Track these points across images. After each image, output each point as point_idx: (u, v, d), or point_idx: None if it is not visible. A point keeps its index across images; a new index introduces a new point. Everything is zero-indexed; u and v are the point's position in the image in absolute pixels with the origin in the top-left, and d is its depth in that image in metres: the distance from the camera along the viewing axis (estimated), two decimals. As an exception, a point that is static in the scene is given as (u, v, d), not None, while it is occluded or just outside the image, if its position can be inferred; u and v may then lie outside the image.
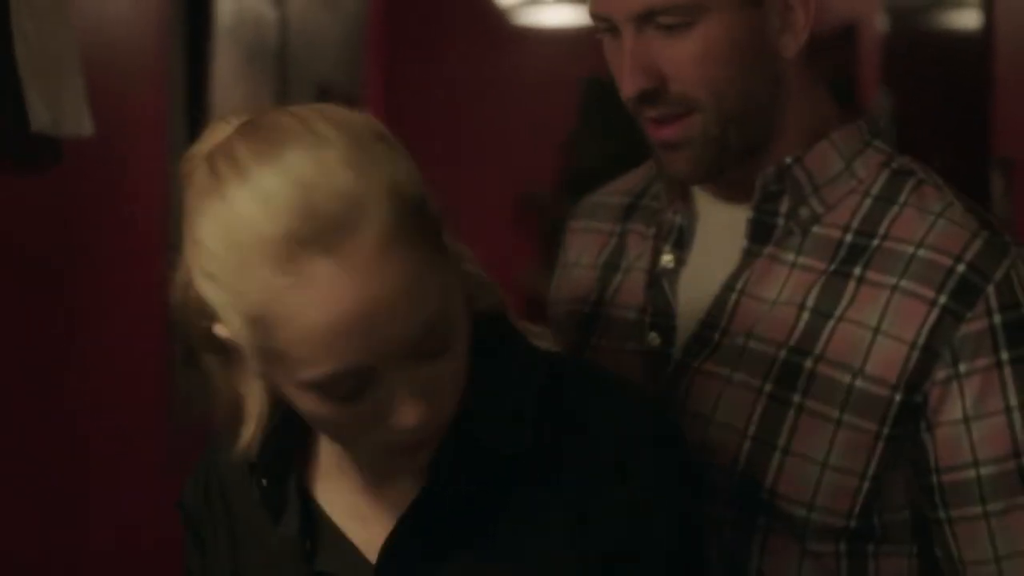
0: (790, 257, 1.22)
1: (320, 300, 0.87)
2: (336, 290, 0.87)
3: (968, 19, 3.62)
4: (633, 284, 1.30)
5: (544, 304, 1.48)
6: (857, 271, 1.19)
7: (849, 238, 1.21)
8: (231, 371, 1.00)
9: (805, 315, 1.19)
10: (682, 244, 1.28)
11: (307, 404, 0.92)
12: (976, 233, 1.18)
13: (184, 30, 2.79)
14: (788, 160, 1.22)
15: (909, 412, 1.16)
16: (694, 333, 1.23)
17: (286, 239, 0.87)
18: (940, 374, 1.16)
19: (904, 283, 1.17)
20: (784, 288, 1.21)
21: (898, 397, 1.16)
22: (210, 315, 0.93)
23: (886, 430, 1.16)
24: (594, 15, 1.23)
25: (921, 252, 1.18)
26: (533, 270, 5.88)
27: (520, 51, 6.10)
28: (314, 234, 0.87)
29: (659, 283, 1.28)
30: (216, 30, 2.87)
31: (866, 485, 1.17)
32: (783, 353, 1.19)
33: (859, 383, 1.16)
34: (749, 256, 1.24)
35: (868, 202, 1.22)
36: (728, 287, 1.23)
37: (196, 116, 2.84)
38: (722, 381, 1.21)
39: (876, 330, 1.17)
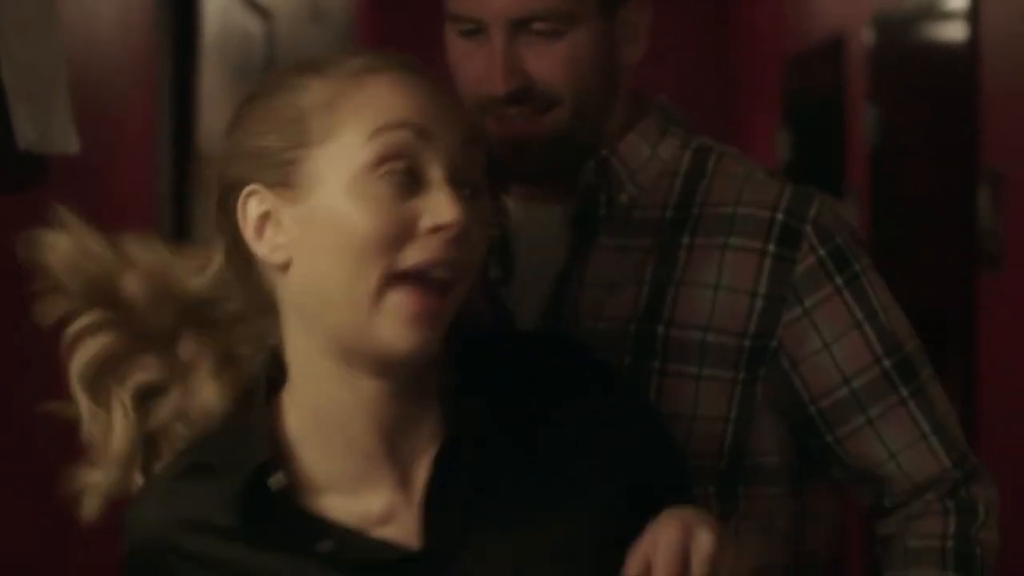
0: (617, 242, 1.32)
1: (393, 78, 1.01)
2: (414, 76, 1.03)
3: (954, 31, 3.63)
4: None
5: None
6: (685, 239, 1.30)
7: (669, 214, 1.32)
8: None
9: (645, 288, 1.29)
10: (505, 255, 1.35)
11: (353, 206, 0.97)
12: (783, 185, 1.31)
13: (171, 46, 2.79)
14: (604, 152, 1.33)
15: (762, 356, 1.28)
16: (538, 327, 1.31)
17: (338, 56, 1.04)
18: (789, 315, 1.28)
19: (732, 240, 1.29)
20: (618, 270, 1.30)
21: (747, 343, 1.27)
22: (301, 141, 0.99)
23: (742, 375, 1.28)
24: (458, 15, 1.30)
25: (740, 210, 1.29)
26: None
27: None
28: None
29: (491, 295, 1.33)
30: (203, 46, 2.86)
31: (731, 428, 1.28)
32: (633, 326, 1.28)
33: (710, 338, 1.27)
34: (579, 249, 1.32)
35: (679, 180, 1.33)
36: (564, 279, 1.31)
37: (183, 132, 2.84)
38: None
39: (716, 287, 1.28)
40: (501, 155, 1.30)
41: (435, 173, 0.98)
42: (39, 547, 2.19)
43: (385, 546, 1.01)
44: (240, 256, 1.03)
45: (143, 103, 2.69)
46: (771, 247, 1.28)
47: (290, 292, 1.00)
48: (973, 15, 3.45)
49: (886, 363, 1.29)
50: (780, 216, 1.29)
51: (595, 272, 1.31)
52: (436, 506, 1.01)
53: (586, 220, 1.33)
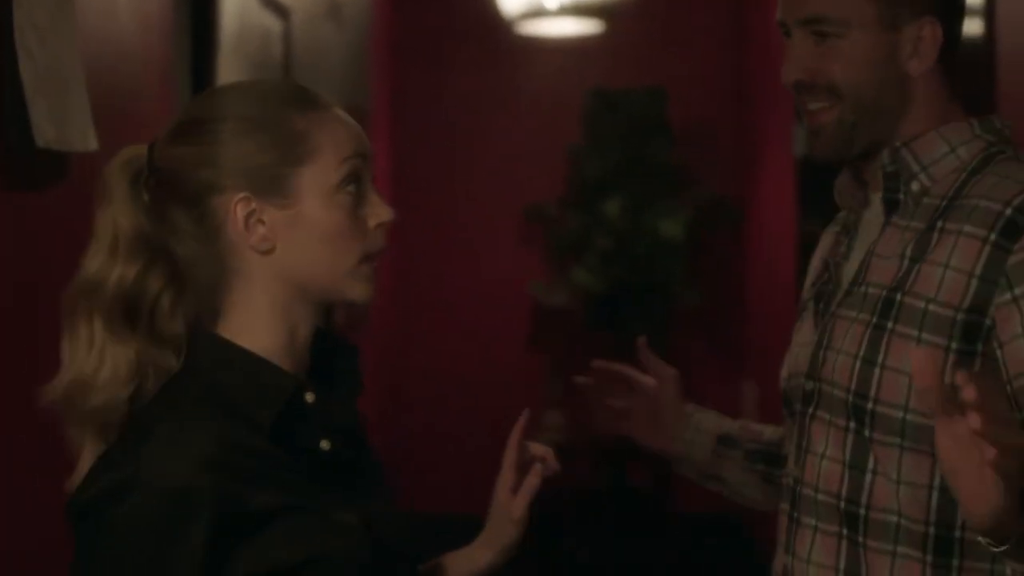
0: (905, 223, 1.56)
1: (338, 116, 1.38)
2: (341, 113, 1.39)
3: (970, 27, 3.62)
4: (815, 268, 1.71)
5: (548, 313, 1.72)
6: (939, 224, 1.52)
7: (944, 203, 1.53)
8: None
9: (904, 263, 1.53)
10: (851, 234, 1.64)
11: (328, 212, 1.35)
12: None
13: (189, 44, 2.81)
14: (897, 144, 1.57)
15: (976, 331, 1.46)
16: (844, 290, 1.60)
17: (300, 93, 1.39)
18: (999, 299, 1.45)
19: (967, 228, 1.49)
20: (896, 245, 1.55)
21: (960, 317, 1.46)
22: (223, 185, 1.34)
23: (954, 344, 1.47)
24: (778, 20, 1.60)
25: (982, 203, 1.49)
26: (540, 281, 5.88)
27: (525, 63, 6.12)
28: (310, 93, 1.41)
29: (828, 265, 1.65)
30: (221, 43, 2.88)
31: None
32: (884, 292, 1.53)
33: (932, 307, 1.48)
34: (883, 227, 1.58)
35: (964, 175, 1.55)
36: (868, 252, 1.59)
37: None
38: (849, 320, 1.56)
39: (946, 266, 1.49)
40: (808, 141, 1.60)
41: (368, 184, 1.39)
42: (38, 547, 2.20)
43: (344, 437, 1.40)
44: (202, 236, 1.35)
45: (162, 101, 2.71)
46: (993, 236, 1.46)
47: (271, 267, 1.35)
48: (989, 12, 3.45)
49: None
50: (1009, 211, 1.47)
51: (884, 246, 1.57)
52: (357, 425, 1.44)
53: (889, 204, 1.58)
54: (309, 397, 1.36)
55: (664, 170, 5.81)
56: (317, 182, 1.34)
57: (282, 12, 3.55)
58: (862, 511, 1.52)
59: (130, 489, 1.24)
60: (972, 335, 1.47)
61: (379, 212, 1.38)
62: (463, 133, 6.18)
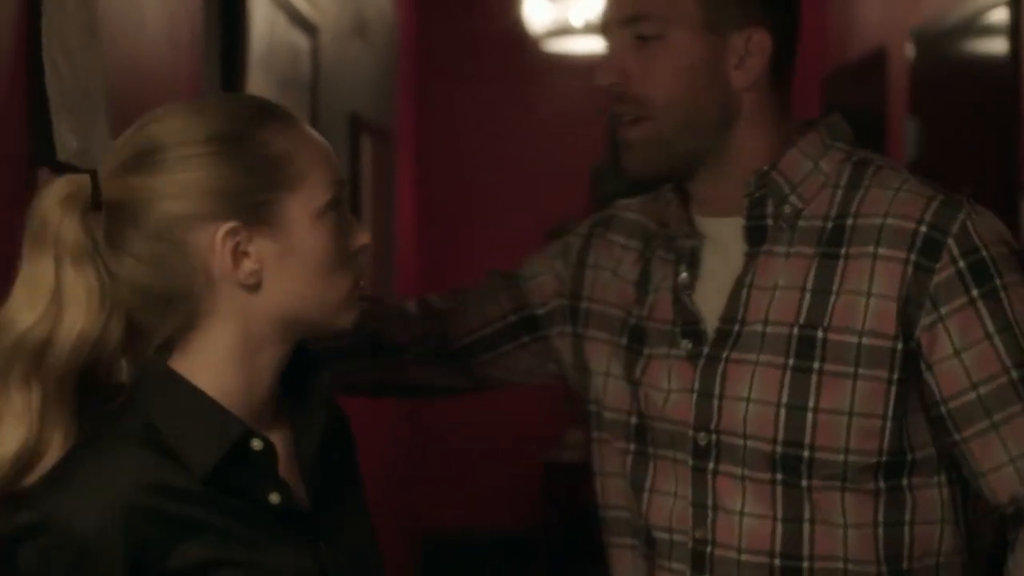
0: (783, 249, 1.45)
1: (314, 134, 1.27)
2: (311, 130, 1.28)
3: (995, 45, 3.62)
4: (663, 302, 1.53)
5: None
6: (842, 250, 1.42)
7: (829, 224, 1.44)
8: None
9: (807, 295, 1.42)
10: (694, 263, 1.50)
11: (318, 239, 1.22)
12: (932, 197, 1.41)
13: (218, 61, 2.83)
14: (765, 167, 1.46)
15: (910, 356, 1.39)
16: (716, 329, 1.46)
17: (270, 108, 1.27)
18: (925, 320, 1.38)
19: (880, 250, 1.40)
20: (782, 275, 1.44)
21: (899, 345, 1.39)
22: (211, 215, 1.19)
23: (895, 375, 1.39)
24: (600, 27, 1.50)
25: (888, 221, 1.41)
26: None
27: (550, 80, 6.13)
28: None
29: (680, 298, 1.50)
30: (250, 60, 2.91)
31: (889, 424, 1.40)
32: (796, 330, 1.42)
33: (865, 340, 1.39)
34: (751, 257, 1.46)
35: (839, 192, 1.45)
36: (739, 285, 1.46)
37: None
38: (751, 365, 1.43)
39: (868, 294, 1.40)
40: (621, 156, 1.51)
41: (345, 207, 1.27)
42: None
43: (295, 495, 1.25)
44: (170, 275, 1.20)
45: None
46: (913, 256, 1.39)
47: (251, 305, 1.22)
48: (1014, 29, 3.45)
49: (1014, 374, 1.38)
50: (924, 228, 1.39)
51: (762, 276, 1.45)
52: (317, 468, 1.28)
53: (755, 232, 1.47)
54: (256, 444, 1.20)
55: (689, 188, 5.81)
56: (305, 208, 1.22)
57: (310, 29, 3.58)
58: (804, 564, 1.42)
59: (39, 532, 1.12)
60: (909, 362, 1.40)
61: (360, 235, 1.27)
62: (487, 150, 6.19)
